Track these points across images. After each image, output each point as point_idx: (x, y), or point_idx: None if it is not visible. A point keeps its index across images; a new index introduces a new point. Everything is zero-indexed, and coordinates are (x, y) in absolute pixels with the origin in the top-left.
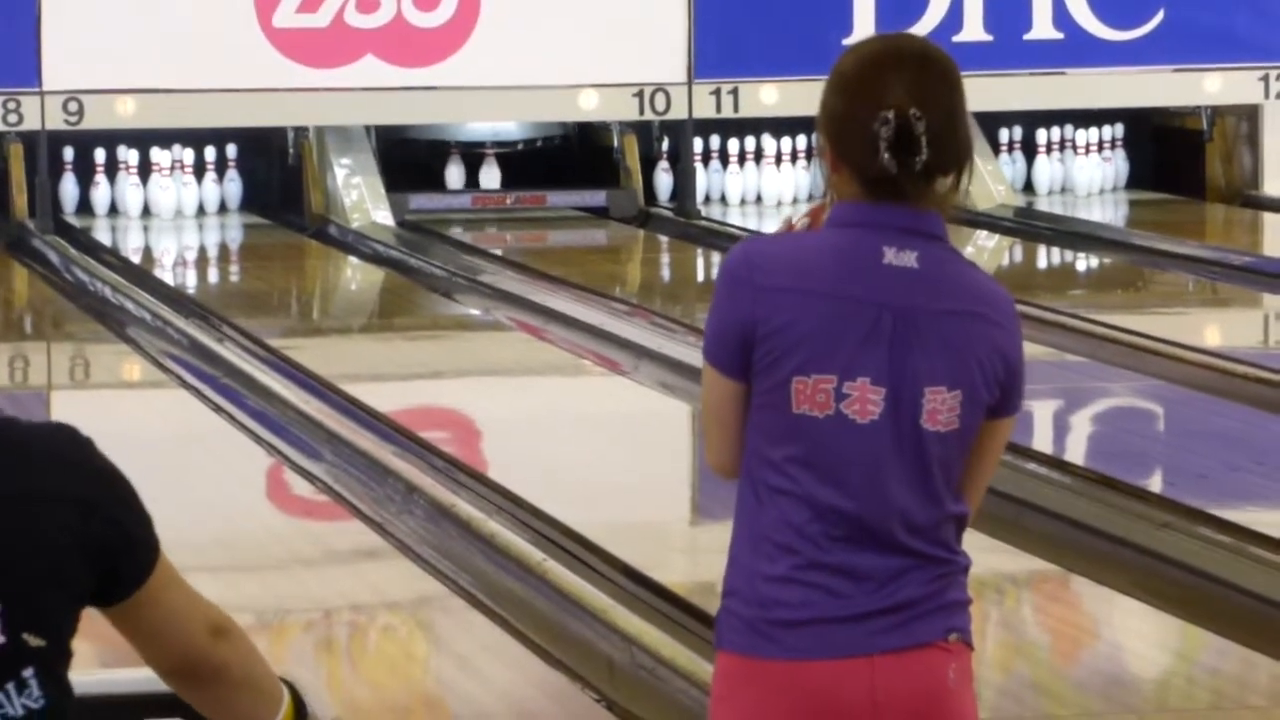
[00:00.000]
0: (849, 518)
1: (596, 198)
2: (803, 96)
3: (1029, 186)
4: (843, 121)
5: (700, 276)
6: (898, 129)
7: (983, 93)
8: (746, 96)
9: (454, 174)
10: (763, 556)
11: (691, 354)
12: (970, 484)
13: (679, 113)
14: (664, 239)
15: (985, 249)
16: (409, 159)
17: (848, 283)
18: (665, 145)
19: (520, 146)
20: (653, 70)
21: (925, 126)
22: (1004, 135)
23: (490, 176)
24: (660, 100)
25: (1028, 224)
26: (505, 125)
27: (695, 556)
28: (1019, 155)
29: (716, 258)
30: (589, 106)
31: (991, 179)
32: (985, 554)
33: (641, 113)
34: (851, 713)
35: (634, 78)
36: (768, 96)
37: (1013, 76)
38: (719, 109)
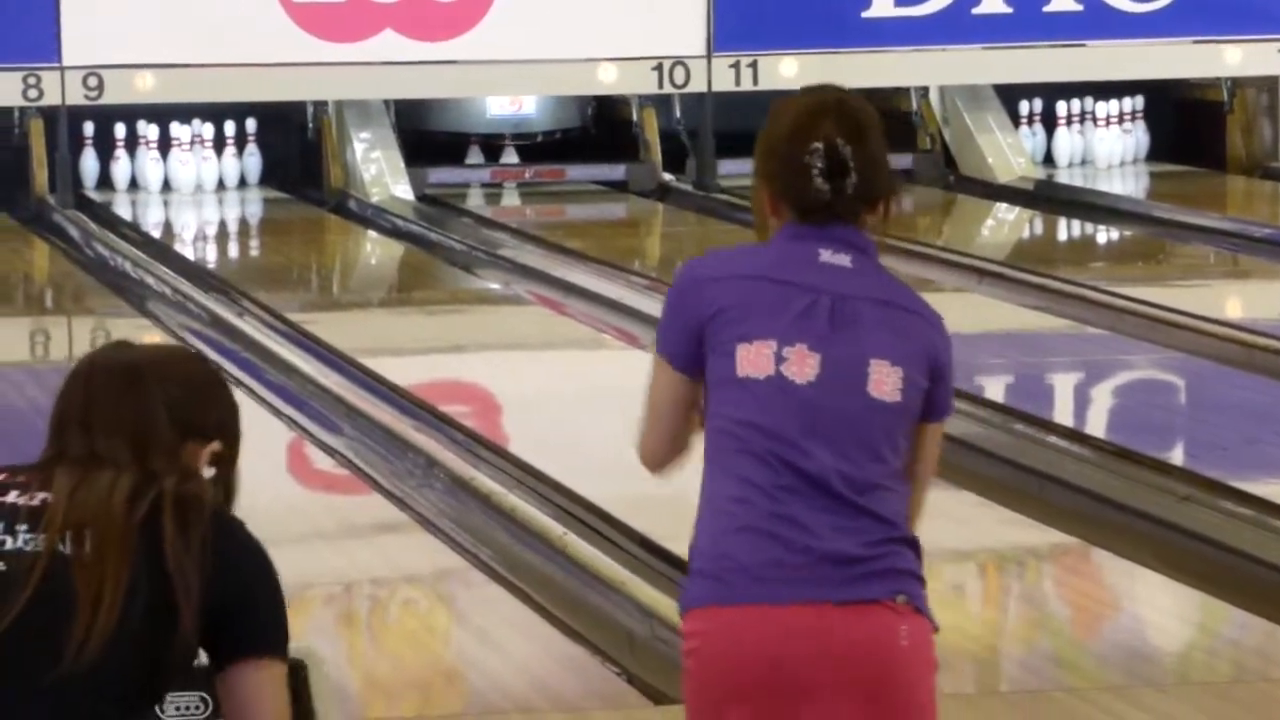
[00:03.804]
0: (794, 470)
1: (616, 172)
2: (823, 69)
3: (1049, 159)
4: (779, 158)
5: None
6: (828, 156)
7: (1003, 65)
8: (766, 69)
9: (474, 153)
10: (721, 514)
11: None
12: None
13: (698, 86)
14: (684, 212)
15: (1005, 221)
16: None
17: (787, 272)
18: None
19: (540, 138)
20: (672, 43)
21: (852, 154)
22: (1024, 107)
23: (509, 158)
24: (679, 74)
25: (1048, 196)
26: (525, 115)
27: None
28: (1039, 127)
29: (737, 230)
30: (608, 80)
31: (1012, 151)
32: (1006, 527)
33: (660, 86)
34: (806, 662)
35: (653, 51)
36: (787, 69)
37: (1033, 48)
38: (738, 82)
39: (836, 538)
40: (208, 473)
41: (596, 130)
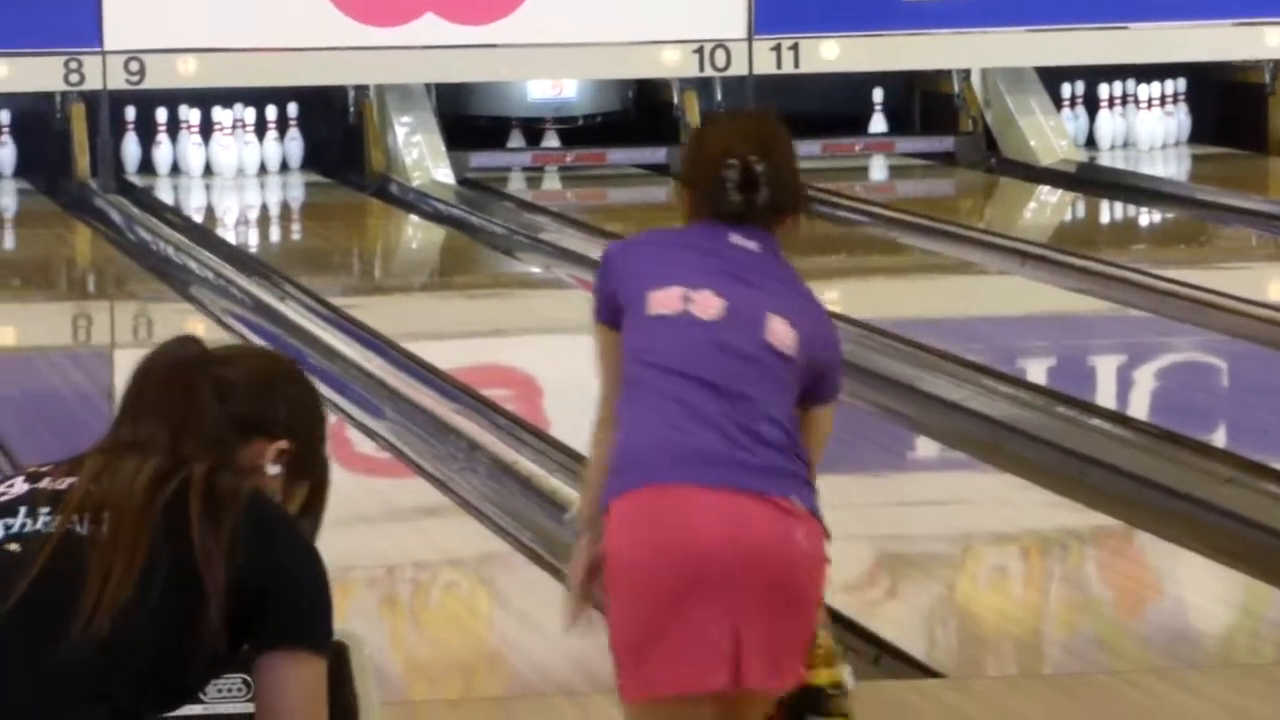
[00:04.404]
0: (704, 383)
1: (657, 154)
2: (864, 52)
3: (1091, 141)
4: (698, 171)
5: None
6: (742, 171)
7: (1045, 47)
8: (807, 52)
9: (515, 138)
10: (638, 426)
11: None
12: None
13: (739, 69)
14: None
15: (1048, 204)
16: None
17: (700, 242)
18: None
19: (580, 122)
20: (713, 26)
21: (763, 170)
22: (1066, 90)
23: (550, 142)
24: (720, 56)
25: (1090, 179)
26: (566, 98)
27: None
28: (1081, 110)
29: None
30: (649, 63)
31: (1054, 134)
32: (1049, 510)
33: (701, 69)
34: (709, 548)
35: (694, 34)
36: (828, 52)
37: (1075, 31)
38: (779, 65)
39: (737, 441)
40: (272, 470)
41: (637, 114)
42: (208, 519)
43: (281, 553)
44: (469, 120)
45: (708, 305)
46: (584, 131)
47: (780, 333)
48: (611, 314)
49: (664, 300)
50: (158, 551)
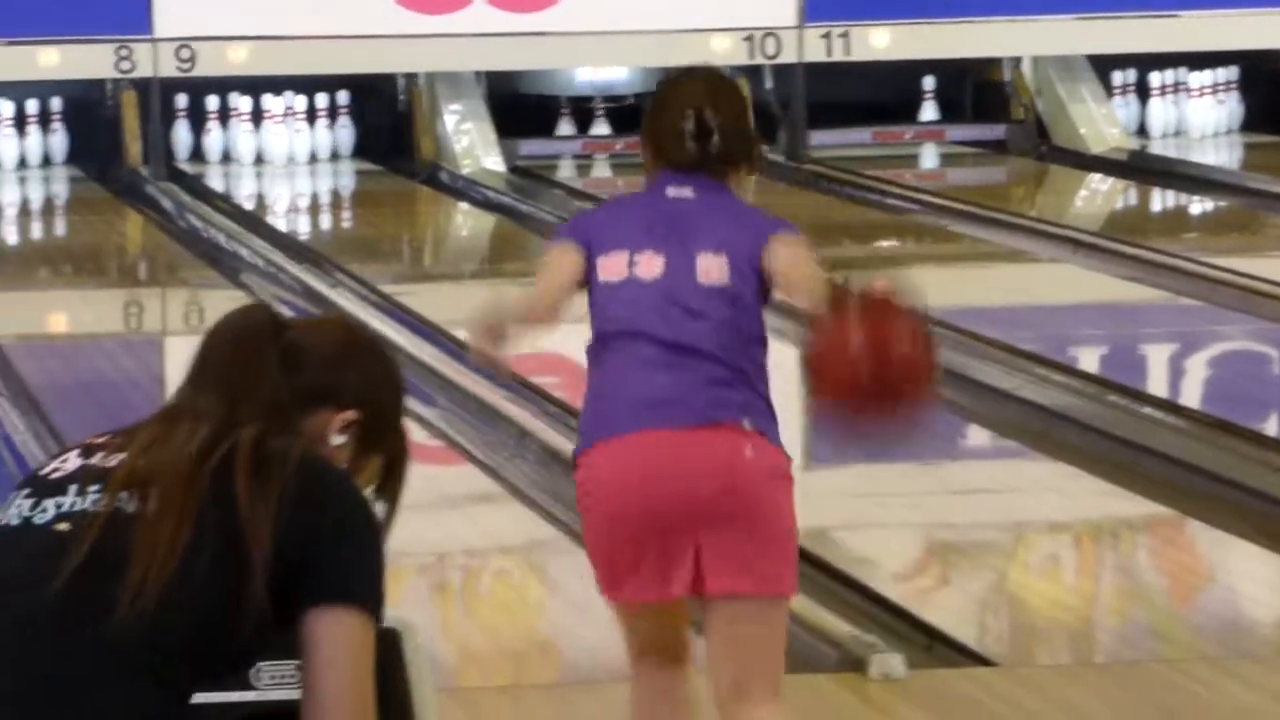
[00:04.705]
0: (653, 339)
1: None
2: (915, 40)
3: (1142, 129)
4: (658, 122)
5: (811, 220)
6: (697, 121)
7: (1096, 35)
8: (858, 40)
9: (565, 126)
10: (602, 385)
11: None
12: (795, 290)
13: (789, 57)
14: (775, 183)
15: (1099, 192)
16: (519, 105)
17: (639, 204)
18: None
19: (631, 100)
20: (763, 14)
21: (717, 122)
22: (1117, 78)
23: (600, 130)
24: (770, 44)
25: (1141, 167)
26: (615, 78)
27: (805, 501)
28: (1132, 98)
29: (827, 201)
30: (698, 51)
31: (1105, 122)
32: (1100, 498)
33: (751, 57)
34: (666, 475)
35: (744, 21)
36: (879, 40)
37: (1126, 19)
38: (829, 53)
39: (683, 390)
40: (337, 440)
41: None
42: (255, 484)
43: (330, 509)
44: (519, 99)
45: (650, 266)
46: (633, 112)
47: (711, 269)
48: (578, 240)
49: (612, 267)
50: (205, 521)
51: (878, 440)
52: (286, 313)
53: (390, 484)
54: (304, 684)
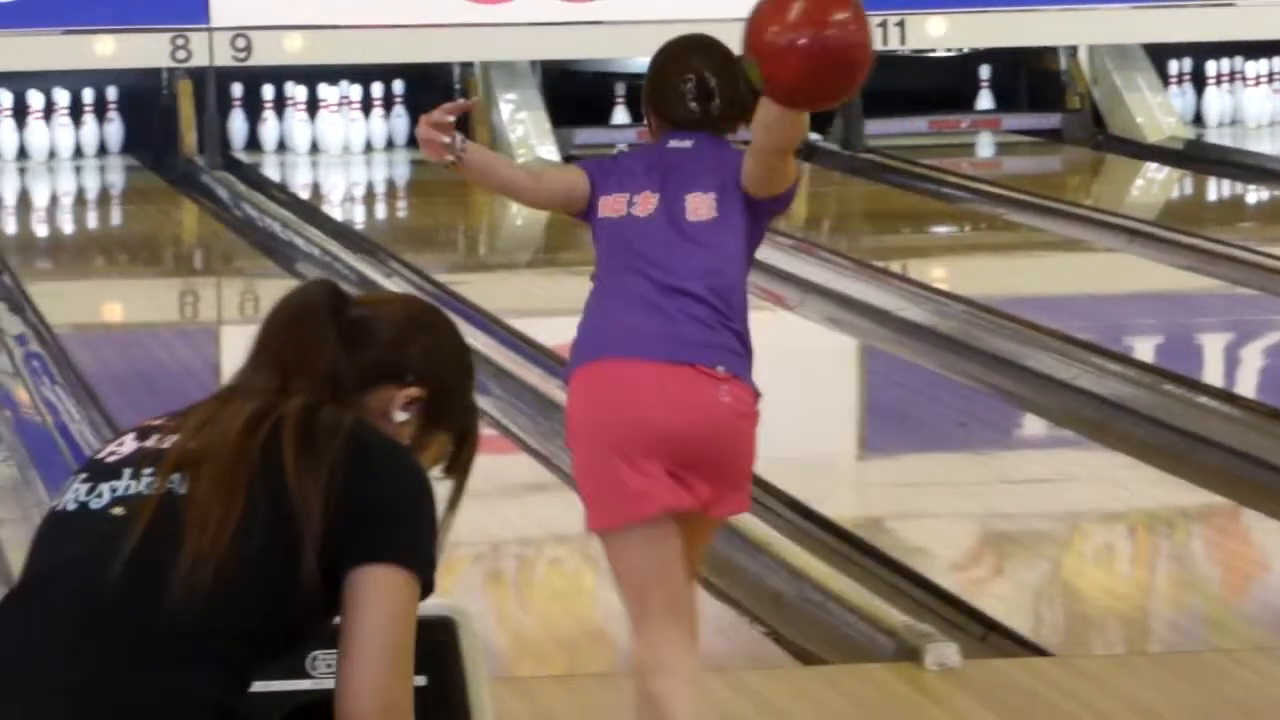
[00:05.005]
0: (646, 276)
1: None
2: (971, 28)
3: (1198, 118)
4: (662, 86)
5: (866, 209)
6: (698, 84)
7: (1152, 24)
8: (914, 28)
9: (620, 114)
10: (595, 314)
11: (859, 288)
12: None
13: None
14: (830, 172)
15: (1155, 181)
16: (574, 93)
17: (640, 154)
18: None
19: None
20: None
21: (717, 85)
22: (1173, 67)
23: None
24: None
25: (1197, 156)
26: None
27: (862, 490)
28: (1188, 87)
29: (883, 190)
30: None
31: (1161, 111)
32: (1156, 487)
33: None
34: (646, 401)
35: None
36: (935, 28)
37: (1182, 7)
38: (885, 41)
39: (669, 323)
40: (400, 417)
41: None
42: (305, 455)
43: (380, 477)
44: (573, 77)
45: (645, 205)
46: None
47: (700, 207)
48: (587, 172)
49: (612, 205)
50: (255, 496)
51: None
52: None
53: (459, 462)
54: (340, 635)
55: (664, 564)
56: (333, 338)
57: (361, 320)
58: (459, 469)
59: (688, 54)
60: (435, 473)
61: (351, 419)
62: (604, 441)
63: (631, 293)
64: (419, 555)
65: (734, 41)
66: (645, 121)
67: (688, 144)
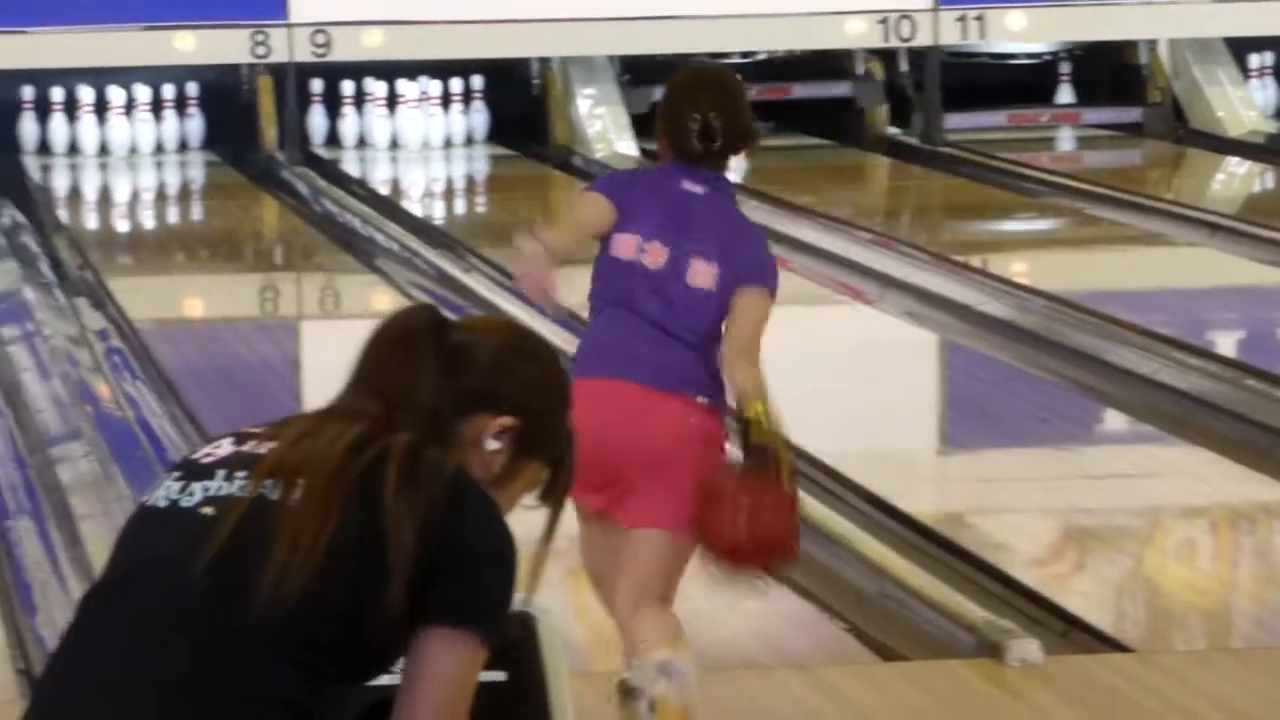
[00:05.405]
0: (642, 316)
1: (840, 88)
2: (1051, 22)
3: (1279, 113)
4: (672, 120)
5: (946, 203)
6: (703, 125)
7: (1233, 18)
8: (993, 22)
9: None
10: (595, 339)
11: (938, 282)
12: (730, 334)
13: (924, 39)
14: (910, 166)
15: (1236, 175)
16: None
17: (658, 192)
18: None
19: (763, 55)
20: None
21: (720, 125)
22: (1254, 61)
23: None
24: (905, 27)
25: (1279, 150)
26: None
27: (943, 485)
28: (1269, 80)
29: (961, 184)
30: (833, 34)
31: (1242, 105)
32: (1238, 483)
33: (886, 40)
34: (627, 416)
35: (879, 4)
36: (1015, 23)
37: (1263, 1)
38: (965, 35)
39: (658, 354)
40: (492, 445)
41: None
42: (404, 490)
43: (472, 530)
44: (649, 58)
45: (656, 256)
46: (765, 68)
47: (701, 273)
48: (614, 201)
49: (624, 246)
50: (349, 519)
51: (749, 578)
52: (421, 298)
53: (553, 490)
54: (400, 692)
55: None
56: (434, 366)
57: (462, 346)
58: (553, 498)
59: (695, 91)
60: (529, 500)
61: (455, 465)
62: (581, 445)
63: (627, 326)
64: (491, 623)
65: (797, 37)
66: (656, 138)
67: (699, 190)
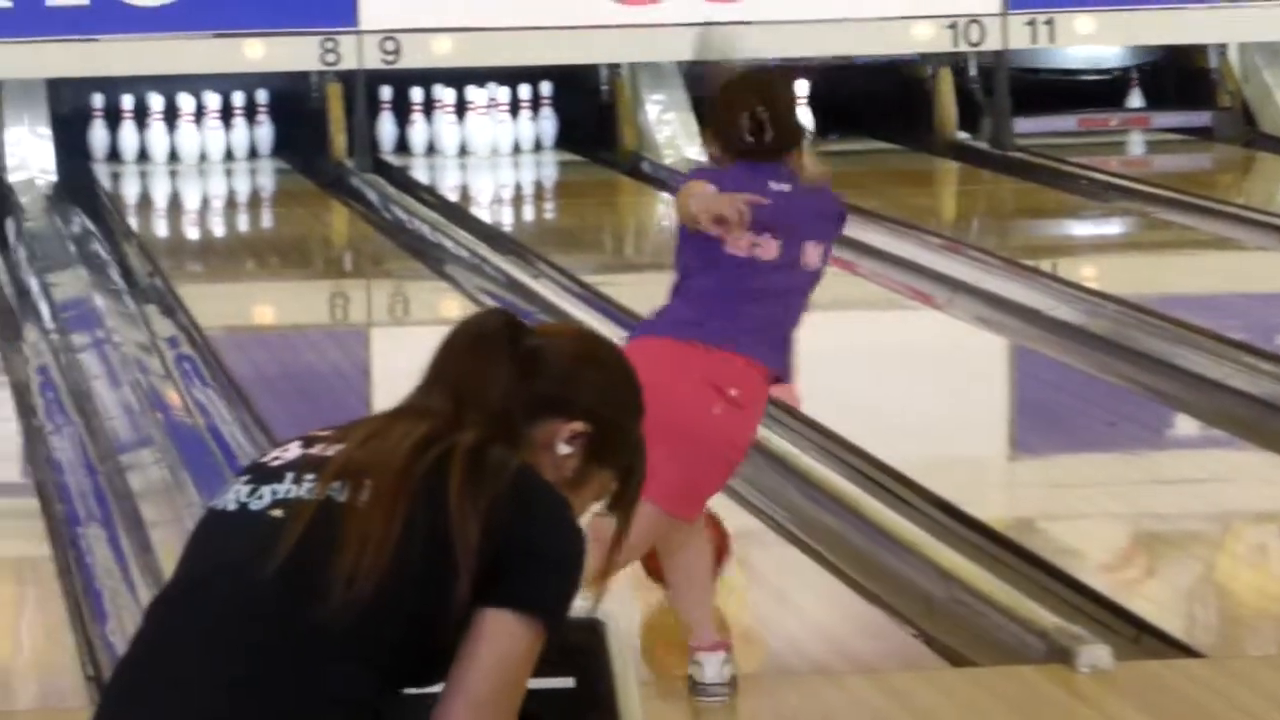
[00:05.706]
0: (748, 298)
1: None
2: (1120, 26)
3: None
4: (722, 120)
5: (1016, 207)
6: (752, 121)
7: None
8: (1062, 26)
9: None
10: (687, 302)
11: (1008, 287)
12: None
13: (993, 44)
14: (979, 170)
15: None
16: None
17: (755, 192)
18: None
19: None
20: (966, 1)
21: (769, 119)
22: None
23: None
24: (974, 31)
25: None
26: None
27: (1013, 491)
28: None
29: (1032, 189)
30: (901, 39)
31: None
32: None
33: (956, 45)
34: (681, 382)
35: (947, 9)
36: (1084, 26)
37: None
38: (1034, 40)
39: (770, 332)
40: (564, 450)
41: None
42: (469, 489)
43: (537, 524)
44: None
45: (768, 249)
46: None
47: (812, 256)
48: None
49: (737, 242)
50: (416, 518)
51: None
52: (490, 304)
53: (623, 499)
54: (454, 669)
55: None
56: (508, 368)
57: (536, 350)
58: (623, 506)
59: (745, 92)
60: (597, 508)
61: (520, 462)
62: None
63: (730, 304)
64: (553, 613)
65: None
66: (705, 141)
67: (786, 188)
